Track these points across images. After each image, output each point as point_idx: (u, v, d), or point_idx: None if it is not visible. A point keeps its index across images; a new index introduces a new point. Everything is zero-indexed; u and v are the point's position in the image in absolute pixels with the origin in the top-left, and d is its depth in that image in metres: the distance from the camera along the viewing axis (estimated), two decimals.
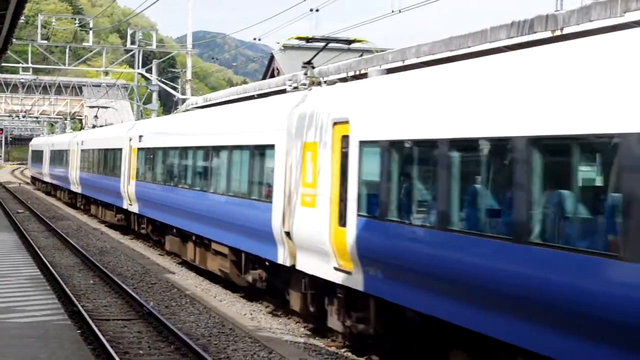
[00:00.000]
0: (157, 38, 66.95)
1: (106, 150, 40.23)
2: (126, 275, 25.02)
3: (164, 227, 29.08)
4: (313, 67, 19.67)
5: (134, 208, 33.32)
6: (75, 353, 13.76)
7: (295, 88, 19.13)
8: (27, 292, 19.25)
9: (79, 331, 16.45)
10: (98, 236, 36.36)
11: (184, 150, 25.89)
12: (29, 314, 16.64)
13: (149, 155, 30.93)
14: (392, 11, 27.79)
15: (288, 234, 17.27)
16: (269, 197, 18.36)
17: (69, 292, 20.77)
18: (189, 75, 59.12)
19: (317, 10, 39.02)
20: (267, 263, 19.13)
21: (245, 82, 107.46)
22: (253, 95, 36.79)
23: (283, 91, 22.13)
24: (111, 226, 40.64)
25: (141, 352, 15.77)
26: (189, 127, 26.69)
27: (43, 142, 75.07)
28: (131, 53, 64.33)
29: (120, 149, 35.93)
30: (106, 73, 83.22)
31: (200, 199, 23.83)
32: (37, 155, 75.84)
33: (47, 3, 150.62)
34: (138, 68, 62.91)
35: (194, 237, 24.84)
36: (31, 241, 31.77)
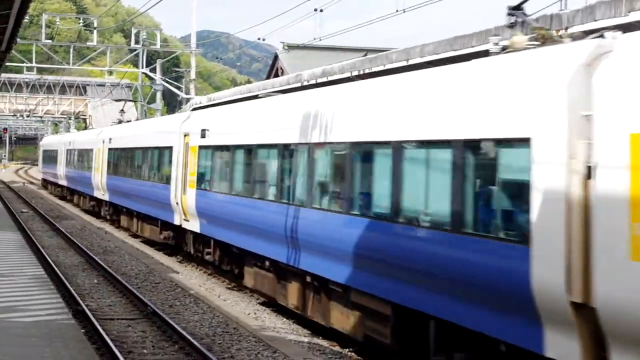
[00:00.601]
0: (161, 37, 66.89)
1: (146, 149, 32.81)
2: (130, 274, 25.03)
3: (245, 254, 21.10)
4: (526, 15, 13.10)
5: (193, 225, 25.23)
6: (79, 352, 13.75)
7: (505, 48, 12.52)
8: (32, 292, 19.26)
9: (83, 330, 16.44)
10: (102, 235, 36.36)
11: (296, 148, 17.44)
12: (33, 314, 16.64)
13: (222, 155, 22.68)
14: (397, 10, 27.75)
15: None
16: (523, 234, 10.26)
17: (73, 291, 20.78)
18: (192, 75, 59.17)
19: (321, 11, 38.97)
20: (502, 347, 11.02)
21: (249, 82, 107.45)
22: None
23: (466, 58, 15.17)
24: (147, 242, 33.64)
25: (145, 351, 15.77)
26: (302, 115, 17.28)
27: (57, 140, 66.32)
28: (135, 53, 64.28)
29: (169, 148, 28.44)
30: (110, 72, 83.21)
31: (329, 224, 15.55)
32: (50, 156, 68.19)
33: (52, 2, 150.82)
34: (142, 68, 62.94)
35: (308, 278, 17.04)
36: (35, 240, 31.77)
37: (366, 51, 47.36)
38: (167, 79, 61.02)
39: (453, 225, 11.66)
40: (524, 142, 10.30)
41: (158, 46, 64.44)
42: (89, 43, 68.89)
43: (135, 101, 67.55)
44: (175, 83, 62.50)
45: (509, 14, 13.16)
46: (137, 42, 62.10)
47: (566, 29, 17.32)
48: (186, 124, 27.08)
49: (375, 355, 15.82)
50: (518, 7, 12.96)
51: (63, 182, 59.99)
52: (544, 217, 9.85)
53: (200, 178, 24.44)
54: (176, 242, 28.79)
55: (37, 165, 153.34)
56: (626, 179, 8.82)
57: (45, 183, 75.68)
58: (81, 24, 70.65)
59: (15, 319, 15.99)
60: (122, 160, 37.86)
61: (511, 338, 10.61)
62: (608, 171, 9.11)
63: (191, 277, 25.33)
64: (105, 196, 41.66)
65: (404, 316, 13.30)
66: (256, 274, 20.36)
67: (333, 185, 15.95)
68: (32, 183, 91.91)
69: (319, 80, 29.02)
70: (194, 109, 36.16)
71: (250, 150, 20.44)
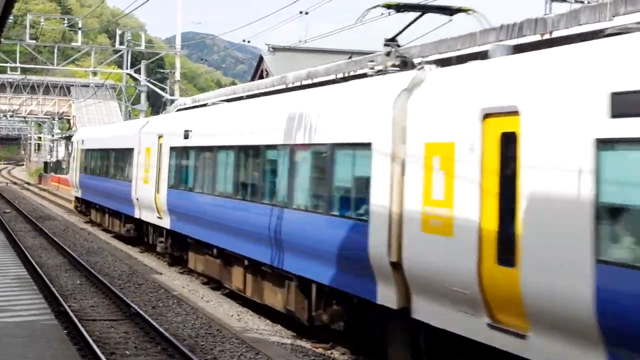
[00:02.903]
0: (146, 39, 66.82)
1: None
2: (113, 275, 24.97)
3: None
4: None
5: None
6: (62, 353, 13.71)
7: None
8: (14, 292, 19.19)
9: (65, 331, 16.40)
10: (85, 236, 36.26)
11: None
12: (15, 314, 16.58)
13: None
14: (382, 14, 27.72)
15: None
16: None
17: (55, 292, 20.72)
18: (177, 76, 59.10)
19: (306, 13, 38.93)
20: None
21: (234, 84, 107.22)
22: None
23: None
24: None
25: (128, 352, 15.74)
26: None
27: (129, 131, 33.11)
28: (120, 53, 64.20)
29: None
30: (94, 73, 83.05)
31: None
32: (94, 160, 40.10)
33: (36, 3, 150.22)
34: (127, 68, 62.83)
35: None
36: (18, 241, 31.68)
37: (351, 54, 47.36)
38: (151, 80, 60.91)
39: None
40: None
41: (143, 47, 64.34)
42: (73, 44, 68.66)
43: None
44: (160, 84, 62.39)
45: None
46: (121, 43, 62.00)
47: (550, 32, 17.42)
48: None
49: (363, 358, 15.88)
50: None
51: (158, 220, 27.42)
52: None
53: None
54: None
55: (20, 165, 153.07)
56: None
57: (87, 208, 43.48)
58: (66, 25, 70.33)
59: None
60: None
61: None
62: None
63: (174, 279, 25.29)
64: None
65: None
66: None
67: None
68: (15, 183, 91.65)
69: (304, 82, 29.04)
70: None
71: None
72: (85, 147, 43.15)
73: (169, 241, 27.01)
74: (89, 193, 41.62)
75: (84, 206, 44.47)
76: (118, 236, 35.65)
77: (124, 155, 33.25)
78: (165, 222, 26.26)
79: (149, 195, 27.91)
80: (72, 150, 48.62)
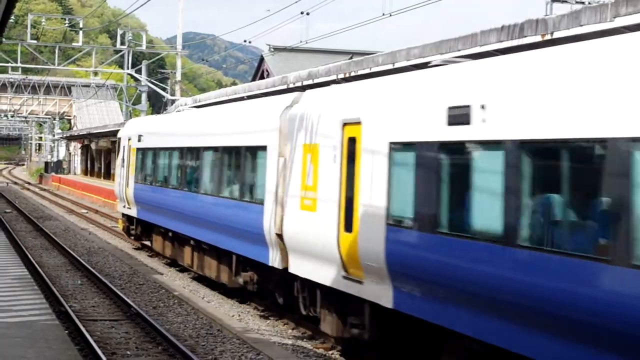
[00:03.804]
0: (147, 39, 66.82)
1: None
2: (114, 275, 24.98)
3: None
4: None
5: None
6: (63, 353, 13.72)
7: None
8: (15, 292, 19.20)
9: (66, 331, 16.40)
10: (86, 236, 36.26)
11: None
12: (16, 314, 16.59)
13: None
14: (383, 14, 27.79)
15: None
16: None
17: (56, 292, 20.72)
18: (178, 76, 59.08)
19: (307, 14, 38.94)
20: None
21: (235, 84, 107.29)
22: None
23: None
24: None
25: (129, 352, 15.74)
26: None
27: (270, 112, 18.82)
28: (121, 54, 64.18)
29: None
30: (95, 73, 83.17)
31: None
32: (166, 164, 27.38)
33: (37, 3, 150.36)
34: (127, 69, 62.80)
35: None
36: (19, 241, 31.68)
37: (352, 54, 47.39)
38: (152, 80, 60.90)
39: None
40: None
41: (144, 47, 64.33)
42: (74, 44, 68.60)
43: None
44: (161, 84, 62.37)
45: None
46: (122, 43, 61.96)
47: (552, 33, 17.41)
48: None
49: (358, 357, 15.83)
50: None
51: (345, 282, 14.89)
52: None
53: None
54: None
55: (21, 165, 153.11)
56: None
57: (145, 232, 31.31)
58: (67, 25, 70.31)
59: None
60: None
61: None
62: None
63: (175, 279, 25.29)
64: None
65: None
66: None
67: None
68: (15, 183, 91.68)
69: (305, 83, 29.01)
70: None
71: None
72: (144, 146, 29.57)
73: (375, 324, 14.31)
74: (153, 213, 28.30)
75: (139, 229, 31.04)
76: (200, 278, 24.80)
77: (240, 159, 20.19)
78: (375, 292, 13.68)
79: (319, 233, 15.44)
80: (120, 150, 32.76)
